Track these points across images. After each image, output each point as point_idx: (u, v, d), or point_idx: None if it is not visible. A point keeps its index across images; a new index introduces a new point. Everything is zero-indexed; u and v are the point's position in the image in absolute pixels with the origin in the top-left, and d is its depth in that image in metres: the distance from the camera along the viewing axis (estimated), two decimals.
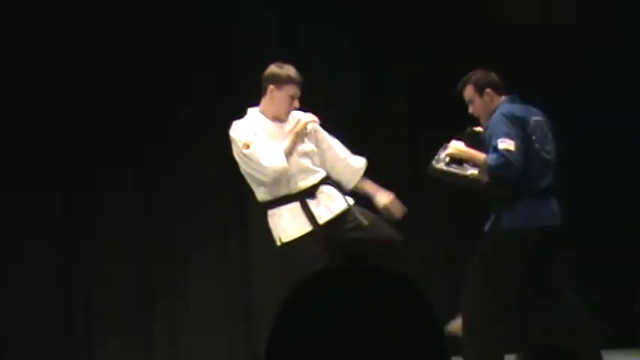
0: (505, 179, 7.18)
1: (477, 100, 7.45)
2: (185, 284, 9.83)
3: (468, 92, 7.48)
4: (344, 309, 1.22)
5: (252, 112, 7.17)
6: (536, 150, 7.34)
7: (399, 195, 7.38)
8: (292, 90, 7.07)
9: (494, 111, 7.39)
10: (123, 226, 9.74)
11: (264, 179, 7.03)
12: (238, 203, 9.81)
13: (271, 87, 7.06)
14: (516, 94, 7.54)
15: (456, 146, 7.33)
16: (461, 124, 7.66)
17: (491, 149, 7.19)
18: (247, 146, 6.97)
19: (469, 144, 7.38)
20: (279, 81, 7.06)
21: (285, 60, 7.30)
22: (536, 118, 7.41)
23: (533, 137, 7.34)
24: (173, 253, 9.85)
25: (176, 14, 10.04)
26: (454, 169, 7.33)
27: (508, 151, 7.12)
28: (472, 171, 7.27)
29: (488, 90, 7.43)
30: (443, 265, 9.83)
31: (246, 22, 10.10)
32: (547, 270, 7.39)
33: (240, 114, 7.16)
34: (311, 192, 7.10)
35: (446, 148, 7.38)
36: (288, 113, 7.14)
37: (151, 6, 9.96)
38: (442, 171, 7.35)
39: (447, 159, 7.34)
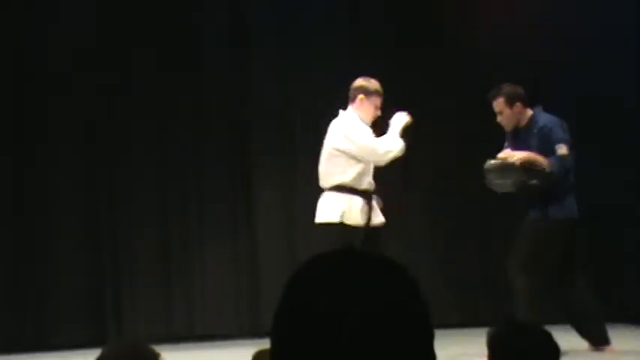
0: (560, 179, 7.39)
1: (507, 111, 7.55)
2: (200, 259, 9.84)
3: (499, 104, 7.56)
4: (344, 285, 1.23)
5: (347, 113, 7.47)
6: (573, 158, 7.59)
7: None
8: (378, 101, 7.42)
9: (527, 118, 7.54)
10: (148, 212, 9.76)
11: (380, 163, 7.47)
12: (247, 190, 9.81)
13: (361, 96, 7.39)
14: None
15: (519, 155, 7.42)
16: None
17: (552, 156, 7.37)
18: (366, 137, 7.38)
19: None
20: (368, 92, 7.40)
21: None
22: None
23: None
24: (189, 231, 9.85)
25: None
26: (530, 177, 7.39)
27: (564, 156, 7.37)
28: (534, 181, 7.37)
29: (517, 103, 7.52)
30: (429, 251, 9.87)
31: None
32: (574, 252, 7.59)
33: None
34: (372, 194, 7.46)
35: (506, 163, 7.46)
36: (372, 119, 7.46)
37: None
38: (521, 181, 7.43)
39: (519, 170, 7.41)
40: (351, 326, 1.19)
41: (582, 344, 7.54)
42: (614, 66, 10.00)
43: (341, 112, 7.46)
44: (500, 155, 7.49)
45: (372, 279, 1.23)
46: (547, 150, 7.40)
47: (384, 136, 7.39)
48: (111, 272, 9.68)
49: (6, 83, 9.56)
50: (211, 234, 9.83)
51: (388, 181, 9.70)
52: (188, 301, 9.80)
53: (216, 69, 9.91)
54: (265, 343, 1.34)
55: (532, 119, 7.54)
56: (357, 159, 7.31)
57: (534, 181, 7.35)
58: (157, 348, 3.22)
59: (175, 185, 9.84)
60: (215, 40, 9.98)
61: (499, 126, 7.68)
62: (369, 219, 7.31)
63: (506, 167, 7.42)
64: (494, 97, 7.57)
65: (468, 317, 9.58)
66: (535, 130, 7.49)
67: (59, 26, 9.62)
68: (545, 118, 7.53)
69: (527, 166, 7.37)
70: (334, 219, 7.22)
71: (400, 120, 7.46)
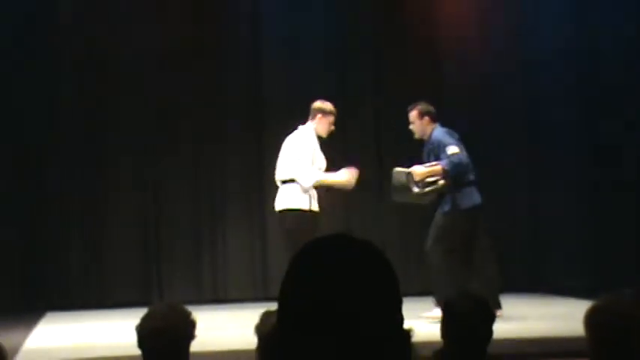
0: (461, 174, 7.20)
1: (417, 122, 7.43)
2: (223, 240, 9.83)
3: (413, 115, 7.44)
4: (336, 260, 1.23)
5: (305, 129, 7.38)
6: (467, 155, 7.35)
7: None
8: (332, 119, 7.36)
9: (428, 132, 7.36)
10: (184, 199, 9.76)
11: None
12: (259, 185, 9.79)
13: (320, 115, 7.31)
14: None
15: (418, 171, 7.25)
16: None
17: (442, 157, 7.19)
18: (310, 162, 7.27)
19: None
20: (325, 112, 7.34)
21: None
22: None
23: (463, 147, 7.36)
24: (215, 217, 9.84)
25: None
26: (429, 188, 7.24)
27: (455, 154, 7.17)
28: (441, 182, 7.22)
29: (426, 117, 7.40)
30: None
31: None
32: (477, 233, 7.42)
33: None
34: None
35: (410, 176, 7.26)
36: (328, 133, 7.38)
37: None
38: (423, 193, 7.27)
39: (419, 184, 7.25)
40: (340, 291, 1.19)
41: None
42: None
43: (300, 127, 7.36)
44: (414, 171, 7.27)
45: (357, 256, 1.23)
46: (438, 158, 7.25)
47: (319, 172, 7.26)
48: (154, 251, 9.70)
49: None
50: (232, 221, 9.82)
51: (365, 178, 9.70)
52: (214, 272, 9.81)
53: (236, 73, 9.81)
54: (273, 305, 1.33)
55: (431, 134, 7.38)
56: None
57: (441, 185, 7.19)
58: (189, 308, 3.22)
59: (205, 179, 9.83)
60: (235, 49, 9.85)
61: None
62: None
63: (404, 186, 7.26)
64: (411, 110, 7.43)
65: (427, 287, 9.54)
66: (429, 144, 7.36)
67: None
68: (436, 132, 7.35)
69: (425, 180, 7.21)
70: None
71: (345, 179, 7.27)
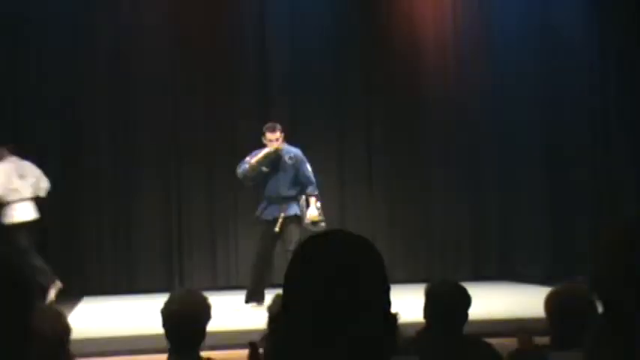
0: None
1: (281, 138, 7.51)
2: (234, 234, 9.78)
3: (279, 134, 7.49)
4: (332, 253, 1.23)
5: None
6: None
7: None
8: None
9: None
10: (201, 199, 9.72)
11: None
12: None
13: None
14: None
15: (312, 216, 7.42)
16: None
17: (304, 170, 7.48)
18: None
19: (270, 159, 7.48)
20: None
21: None
22: None
23: None
24: (228, 215, 9.79)
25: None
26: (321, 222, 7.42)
27: (311, 172, 7.50)
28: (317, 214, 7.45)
29: (282, 134, 7.52)
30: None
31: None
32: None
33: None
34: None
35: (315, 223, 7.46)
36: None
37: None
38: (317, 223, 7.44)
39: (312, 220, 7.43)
40: (336, 278, 1.19)
41: None
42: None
43: None
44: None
45: (351, 249, 1.23)
46: (298, 170, 7.48)
47: None
48: (176, 244, 9.64)
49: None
50: (242, 217, 9.77)
51: (358, 177, 9.65)
52: (227, 262, 9.77)
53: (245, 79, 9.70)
54: (277, 290, 1.33)
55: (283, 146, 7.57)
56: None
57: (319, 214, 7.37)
58: (205, 293, 3.21)
59: (219, 180, 9.79)
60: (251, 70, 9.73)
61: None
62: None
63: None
64: (275, 130, 7.50)
65: (411, 275, 9.52)
66: (289, 156, 7.51)
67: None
68: (288, 146, 7.58)
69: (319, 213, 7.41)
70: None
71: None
